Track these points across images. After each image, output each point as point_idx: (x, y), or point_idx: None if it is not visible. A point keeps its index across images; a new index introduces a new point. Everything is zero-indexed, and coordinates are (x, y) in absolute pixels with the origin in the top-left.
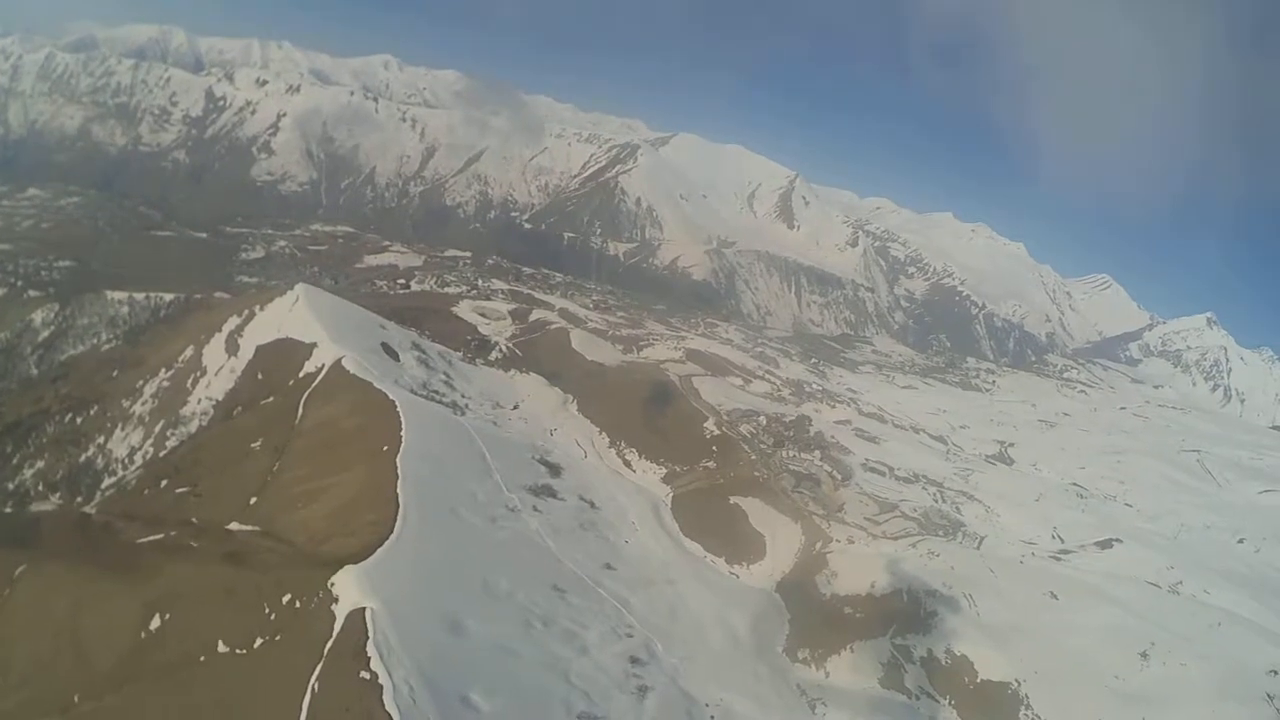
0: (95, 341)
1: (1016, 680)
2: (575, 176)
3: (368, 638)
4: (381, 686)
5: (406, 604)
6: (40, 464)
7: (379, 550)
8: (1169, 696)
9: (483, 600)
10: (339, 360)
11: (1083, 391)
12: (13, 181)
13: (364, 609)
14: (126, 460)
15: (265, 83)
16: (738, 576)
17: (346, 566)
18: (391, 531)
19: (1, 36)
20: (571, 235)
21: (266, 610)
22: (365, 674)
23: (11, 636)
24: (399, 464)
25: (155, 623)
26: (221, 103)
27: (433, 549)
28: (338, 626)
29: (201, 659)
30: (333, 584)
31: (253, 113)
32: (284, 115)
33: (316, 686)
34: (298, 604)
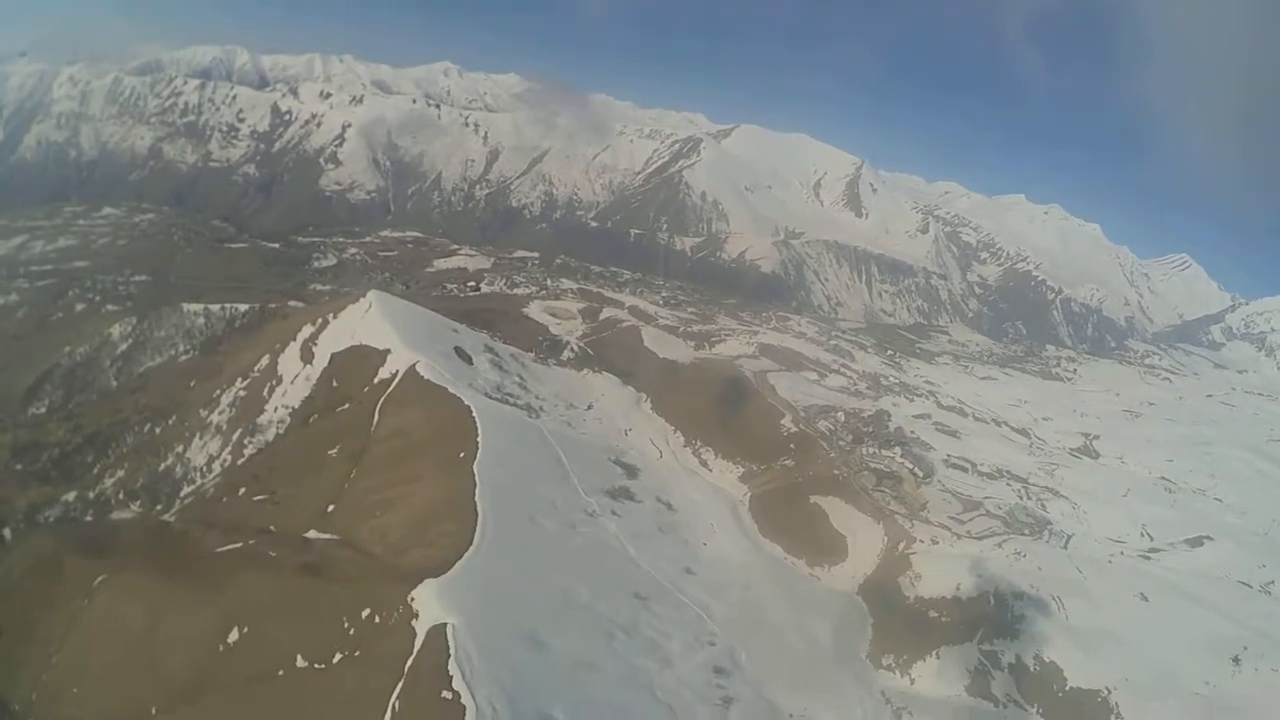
0: (172, 353)
1: (1106, 688)
2: (639, 173)
3: (449, 656)
4: (464, 707)
5: (487, 619)
6: (120, 473)
7: (458, 564)
8: (1262, 704)
9: (563, 612)
10: (413, 366)
11: (1167, 379)
12: (88, 201)
13: (445, 625)
14: (205, 469)
15: (329, 95)
16: (818, 579)
17: (426, 581)
18: (470, 543)
19: (69, 64)
20: (638, 232)
21: (346, 625)
22: (447, 694)
23: (88, 646)
24: (476, 471)
25: (233, 635)
26: (287, 117)
27: (512, 560)
28: (418, 643)
29: (280, 673)
30: (413, 599)
31: (318, 125)
32: (349, 126)
33: (397, 705)
34: (377, 619)
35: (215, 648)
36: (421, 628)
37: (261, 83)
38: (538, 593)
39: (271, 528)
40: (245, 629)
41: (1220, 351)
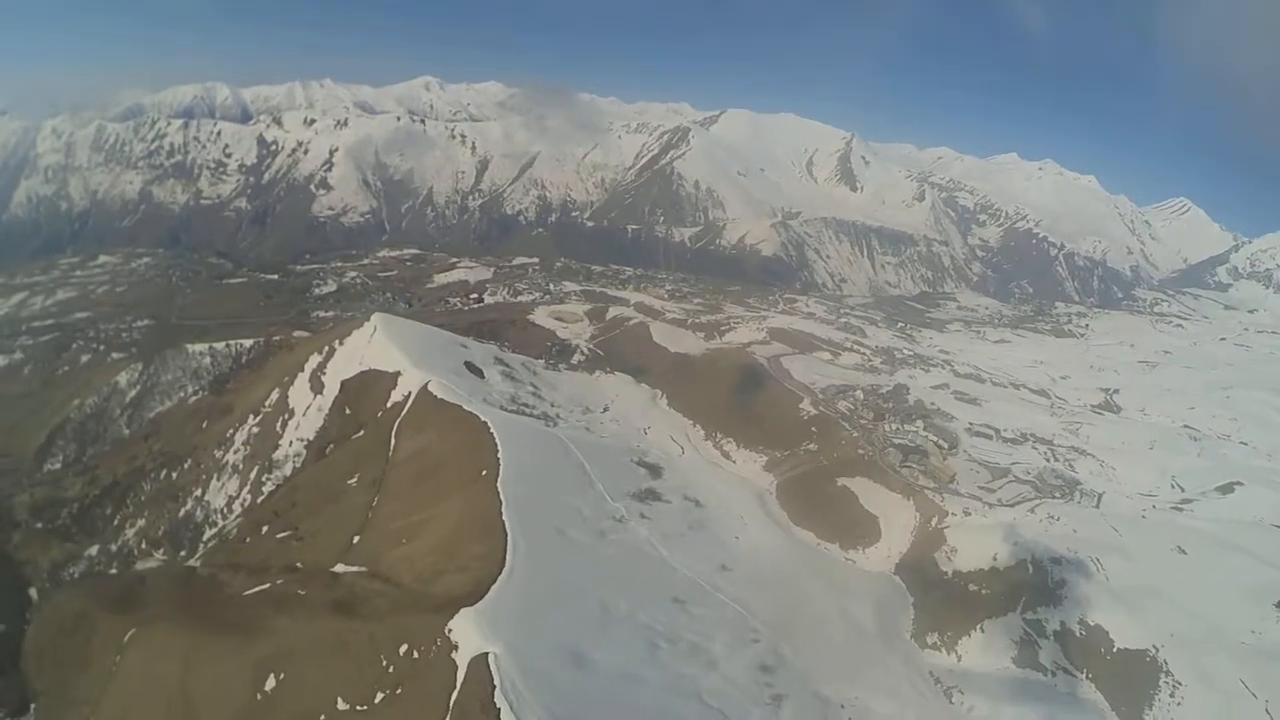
0: (182, 395)
1: (1154, 646)
2: (630, 168)
3: (494, 686)
4: None
5: (528, 643)
6: (141, 522)
7: (492, 588)
8: None
9: (603, 625)
10: (425, 385)
11: (1179, 325)
12: (83, 252)
13: (487, 655)
14: (225, 510)
15: (313, 121)
16: (854, 562)
17: (463, 610)
18: (502, 564)
19: (51, 117)
20: (635, 227)
21: (384, 662)
22: None
23: (124, 705)
24: (500, 489)
25: (270, 683)
26: (274, 147)
27: (546, 578)
28: (460, 675)
29: (321, 718)
30: (450, 630)
31: (305, 152)
32: (336, 150)
33: None
34: (416, 654)
35: (254, 697)
36: (462, 659)
37: (244, 116)
38: (576, 609)
39: (298, 565)
40: (282, 675)
41: (1228, 292)
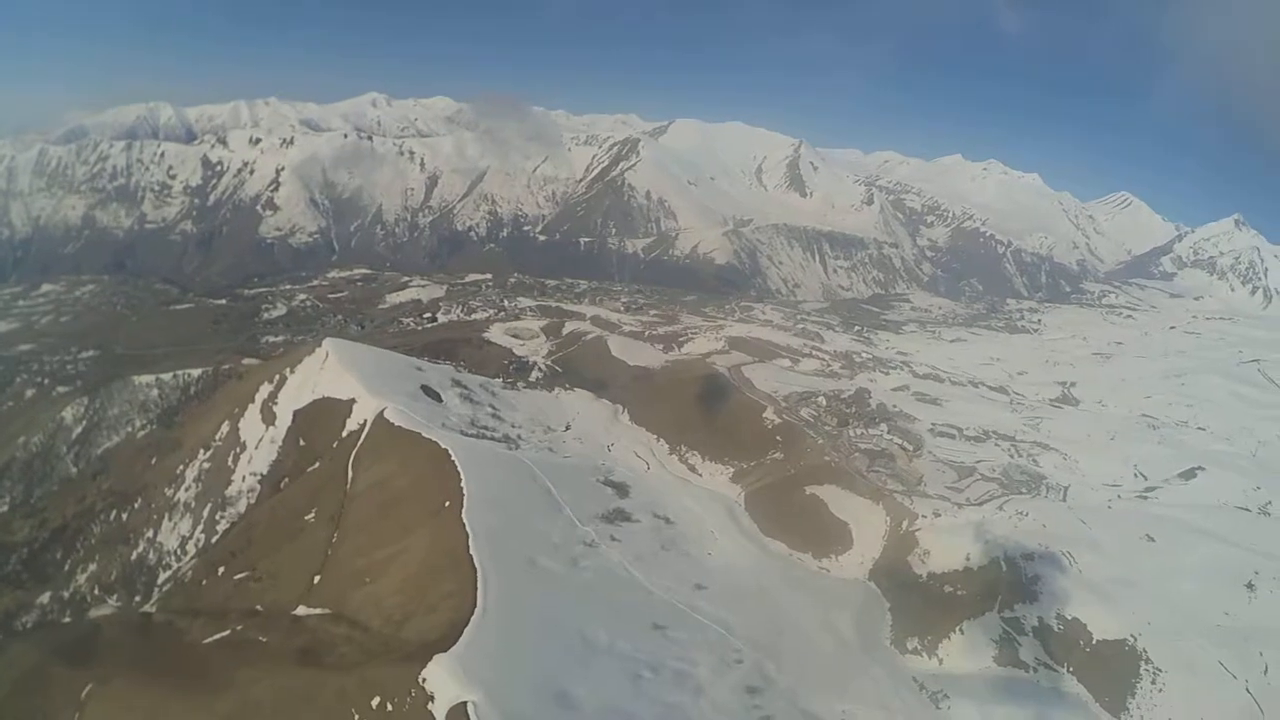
0: (129, 429)
1: (1132, 635)
2: (580, 180)
3: None
4: None
5: (508, 686)
6: (93, 566)
7: (466, 629)
8: None
9: (585, 659)
10: (381, 413)
11: (1129, 316)
12: (26, 280)
13: (465, 704)
14: (179, 551)
15: (259, 140)
16: (828, 571)
17: (436, 657)
18: (473, 603)
19: None
20: (587, 240)
21: (356, 717)
22: None
23: None
24: (465, 520)
25: None
26: (219, 168)
27: (521, 613)
28: None
29: None
30: (424, 679)
31: (251, 172)
32: (282, 169)
33: None
34: (390, 706)
35: None
36: (440, 710)
37: (189, 136)
38: (555, 644)
39: (258, 608)
40: None
41: (1173, 281)
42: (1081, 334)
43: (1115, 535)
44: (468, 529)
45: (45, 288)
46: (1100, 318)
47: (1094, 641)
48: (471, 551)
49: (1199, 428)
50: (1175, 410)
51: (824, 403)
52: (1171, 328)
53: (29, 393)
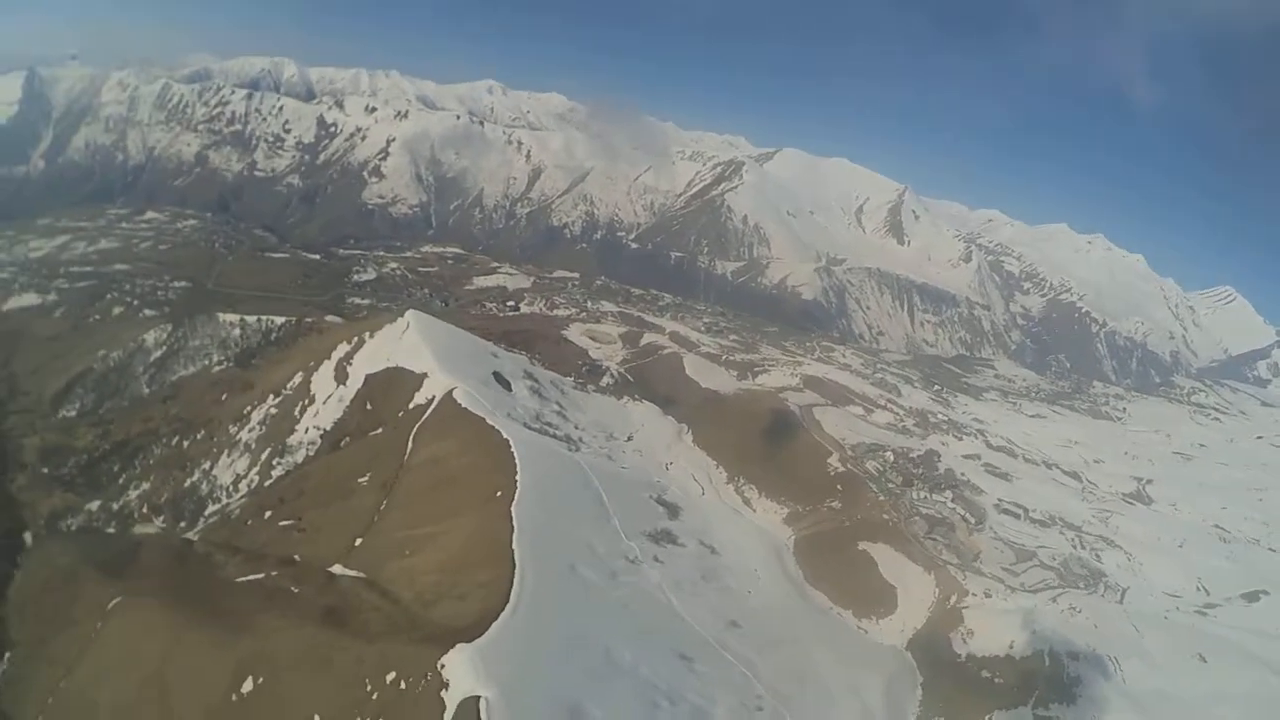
0: (206, 363)
1: None
2: (680, 195)
3: None
4: None
5: (524, 690)
6: (145, 485)
7: (494, 625)
8: None
9: (605, 678)
10: (450, 392)
11: (1216, 419)
12: (132, 205)
13: (477, 699)
14: (231, 488)
15: (374, 109)
16: (866, 632)
17: (458, 646)
18: (506, 597)
19: (119, 69)
20: (678, 254)
21: (368, 687)
22: None
23: (99, 676)
24: (514, 513)
25: (247, 685)
26: (333, 129)
27: (551, 618)
28: (448, 717)
29: None
30: (443, 665)
31: (363, 138)
32: (393, 140)
33: None
34: (403, 684)
35: (229, 696)
36: (452, 700)
37: (308, 95)
38: (578, 656)
39: (296, 558)
40: (261, 680)
41: (1267, 388)
42: (1166, 430)
43: (1167, 648)
44: (514, 522)
45: (149, 215)
46: (1187, 415)
47: None
48: (514, 545)
49: (1270, 548)
50: (1250, 526)
51: (891, 458)
52: (1259, 437)
53: (117, 310)
